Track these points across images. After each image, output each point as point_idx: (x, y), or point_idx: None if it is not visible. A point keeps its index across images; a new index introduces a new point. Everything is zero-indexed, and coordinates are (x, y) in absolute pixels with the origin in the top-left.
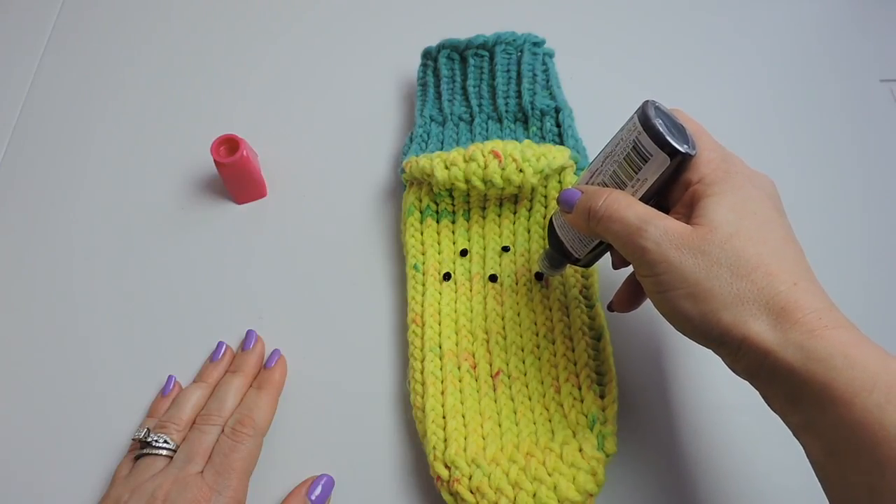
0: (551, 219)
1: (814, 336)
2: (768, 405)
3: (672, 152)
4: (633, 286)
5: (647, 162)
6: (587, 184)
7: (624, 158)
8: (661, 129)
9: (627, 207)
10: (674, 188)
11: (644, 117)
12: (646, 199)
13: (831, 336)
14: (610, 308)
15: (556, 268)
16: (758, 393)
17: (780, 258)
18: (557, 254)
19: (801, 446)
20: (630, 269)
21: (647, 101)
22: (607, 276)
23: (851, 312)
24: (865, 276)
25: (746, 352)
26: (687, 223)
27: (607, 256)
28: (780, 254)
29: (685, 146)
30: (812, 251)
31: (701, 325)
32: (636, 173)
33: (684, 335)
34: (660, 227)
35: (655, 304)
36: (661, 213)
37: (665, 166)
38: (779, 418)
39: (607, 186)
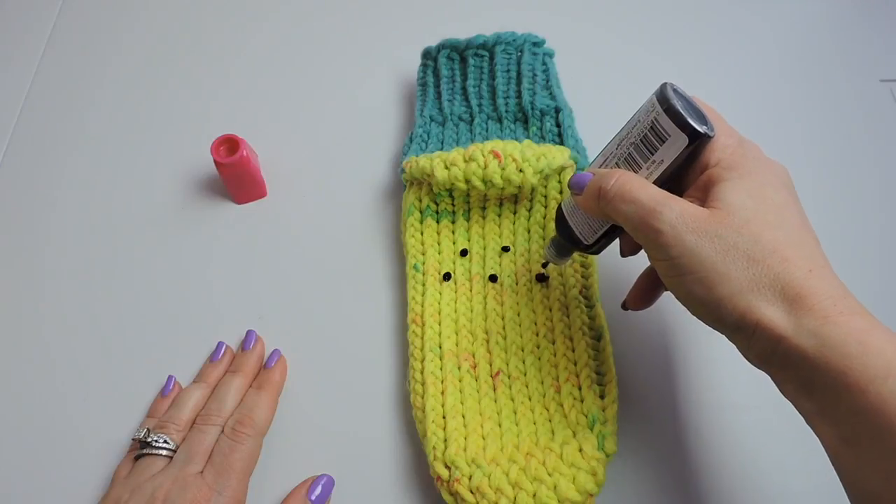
0: (560, 205)
1: (828, 322)
2: (781, 392)
3: (692, 133)
4: (647, 282)
5: (664, 142)
6: (600, 168)
7: (641, 140)
8: (681, 109)
9: (641, 188)
10: (688, 172)
11: (663, 97)
12: (660, 182)
13: (846, 322)
14: (624, 307)
15: (562, 256)
16: (758, 393)
17: (796, 244)
18: (565, 241)
19: (802, 446)
20: (643, 267)
21: (666, 83)
22: (608, 276)
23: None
24: (866, 276)
25: (760, 337)
26: (701, 206)
27: (613, 252)
28: (796, 240)
29: (704, 127)
30: None
31: (716, 309)
32: (652, 154)
33: (699, 319)
34: (675, 210)
35: (670, 288)
36: (675, 195)
37: (683, 147)
38: (779, 416)
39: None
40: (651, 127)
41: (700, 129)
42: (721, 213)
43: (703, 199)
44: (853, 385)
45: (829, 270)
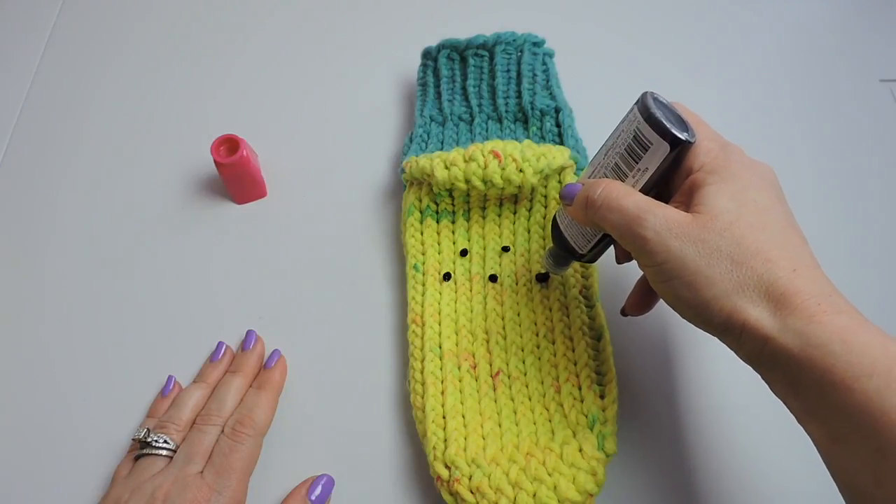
0: (555, 216)
1: (812, 321)
2: (772, 391)
3: (673, 140)
4: (644, 288)
5: (647, 151)
6: (589, 178)
7: (625, 149)
8: (661, 118)
9: (626, 196)
10: (674, 177)
11: (644, 107)
12: (646, 189)
13: (830, 321)
14: (623, 313)
15: (560, 266)
16: (757, 393)
17: (780, 245)
18: (561, 251)
19: (801, 446)
20: (640, 271)
21: (646, 92)
22: (608, 276)
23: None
24: (866, 275)
25: (747, 338)
26: (686, 212)
27: (612, 251)
28: (781, 241)
29: (685, 134)
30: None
31: (703, 312)
32: (637, 163)
33: (690, 323)
34: (659, 216)
35: (659, 293)
36: (659, 202)
37: (665, 155)
38: (779, 417)
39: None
40: (634, 136)
41: (681, 135)
42: (704, 218)
43: (688, 205)
44: (838, 383)
45: (815, 270)
